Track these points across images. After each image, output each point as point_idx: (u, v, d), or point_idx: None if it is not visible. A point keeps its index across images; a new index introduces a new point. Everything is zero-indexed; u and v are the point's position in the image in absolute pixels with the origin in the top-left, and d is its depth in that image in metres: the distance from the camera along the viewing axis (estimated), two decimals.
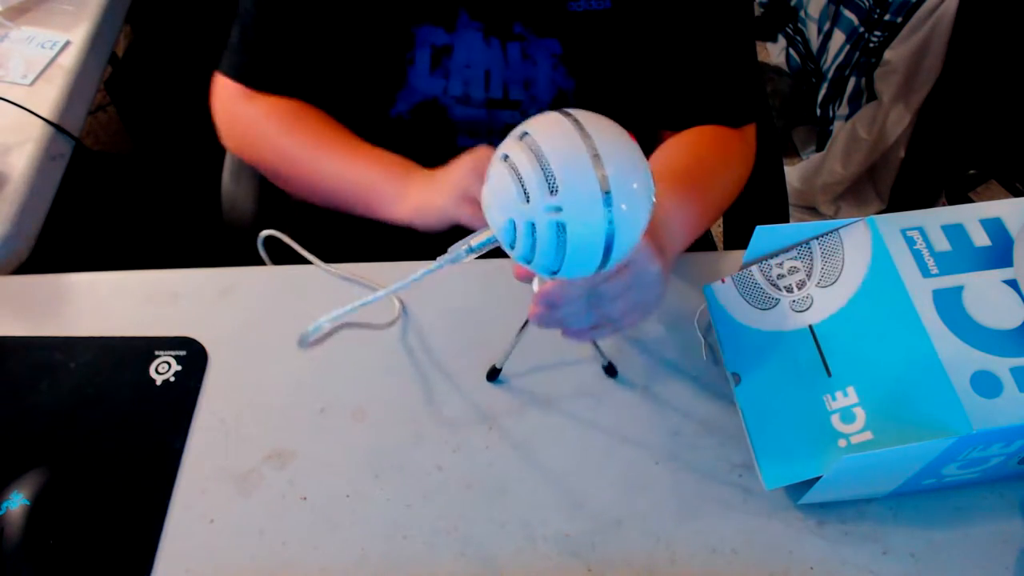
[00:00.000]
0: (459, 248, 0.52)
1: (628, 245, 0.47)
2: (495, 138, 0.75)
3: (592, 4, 0.69)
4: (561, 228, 0.45)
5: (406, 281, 0.53)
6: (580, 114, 0.46)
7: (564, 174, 0.45)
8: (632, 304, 0.56)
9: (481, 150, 0.63)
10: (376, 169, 0.70)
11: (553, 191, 0.45)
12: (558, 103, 0.73)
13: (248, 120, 0.76)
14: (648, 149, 0.79)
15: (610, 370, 0.64)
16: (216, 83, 0.76)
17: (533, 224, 0.46)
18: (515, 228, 0.47)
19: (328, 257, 0.72)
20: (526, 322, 0.61)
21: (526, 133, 0.46)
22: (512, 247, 0.48)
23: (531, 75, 0.72)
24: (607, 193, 0.45)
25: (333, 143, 0.73)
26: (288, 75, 0.75)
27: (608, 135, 0.46)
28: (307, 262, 0.72)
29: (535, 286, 0.55)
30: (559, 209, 0.45)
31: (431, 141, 0.76)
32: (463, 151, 0.77)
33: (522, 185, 0.45)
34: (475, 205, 0.63)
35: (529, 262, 0.48)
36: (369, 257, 0.72)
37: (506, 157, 0.47)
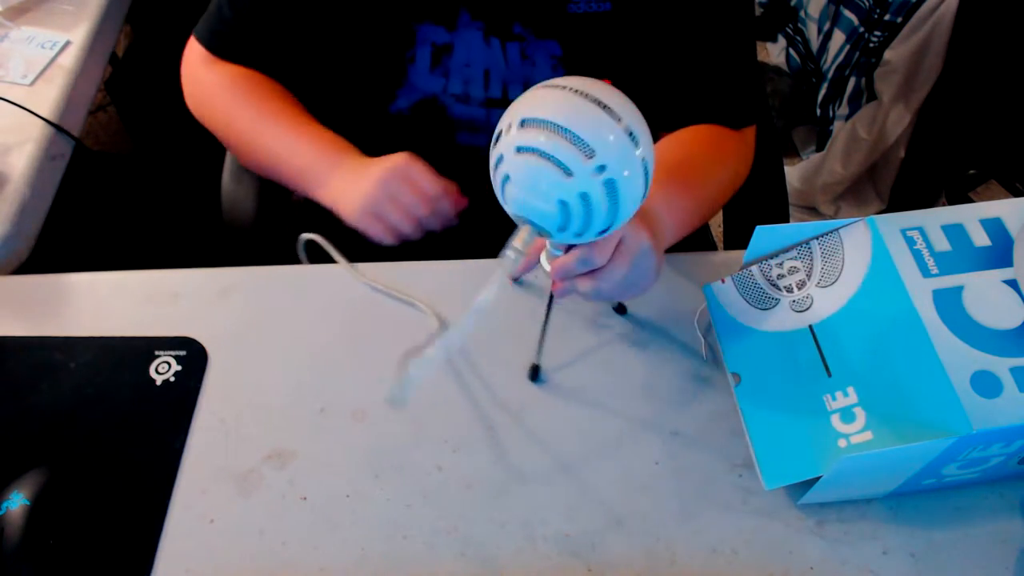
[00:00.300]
0: (509, 258, 0.50)
1: (651, 178, 0.49)
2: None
3: (592, 6, 0.69)
4: (611, 184, 0.46)
5: (471, 315, 0.50)
6: (562, 80, 0.47)
7: (592, 135, 0.45)
8: (628, 282, 0.57)
9: (399, 158, 0.66)
10: (311, 149, 0.72)
11: (591, 155, 0.45)
12: None
13: (206, 84, 0.78)
14: None
15: (620, 308, 0.66)
16: (188, 45, 0.78)
17: (585, 194, 0.46)
18: (567, 206, 0.46)
19: (329, 257, 0.72)
20: (547, 315, 0.61)
21: (525, 120, 0.46)
22: (562, 229, 0.48)
23: (530, 76, 0.73)
24: (631, 134, 0.46)
25: (278, 117, 0.74)
26: (254, 47, 0.76)
27: (598, 87, 0.46)
28: (304, 262, 0.72)
29: (544, 264, 0.56)
30: (604, 167, 0.45)
31: (431, 138, 0.76)
32: (463, 148, 0.77)
33: (558, 163, 0.45)
34: (379, 222, 0.67)
35: (580, 235, 0.48)
36: (371, 256, 0.72)
37: (520, 149, 0.46)
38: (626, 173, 0.46)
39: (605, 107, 0.45)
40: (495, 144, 0.48)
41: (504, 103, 0.74)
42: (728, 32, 0.73)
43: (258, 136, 0.75)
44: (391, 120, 0.77)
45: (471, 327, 0.50)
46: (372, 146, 0.73)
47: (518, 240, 0.50)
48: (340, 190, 0.69)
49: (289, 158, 0.73)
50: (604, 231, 0.49)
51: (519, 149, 0.46)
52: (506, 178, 0.48)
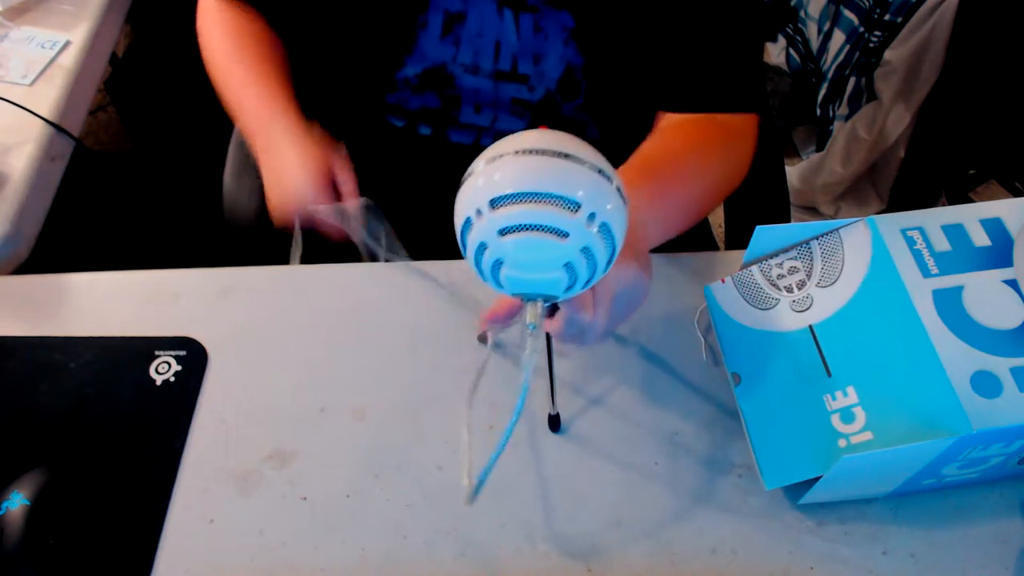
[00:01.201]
0: (531, 351, 0.48)
1: (627, 199, 0.47)
2: (500, 111, 0.75)
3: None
4: (605, 228, 0.44)
5: (520, 402, 0.49)
6: (501, 147, 0.45)
7: (570, 189, 0.43)
8: (619, 315, 0.56)
9: (299, 188, 0.68)
10: (259, 114, 0.74)
11: (576, 209, 0.43)
12: (566, 79, 0.73)
13: (209, 21, 0.80)
14: (647, 121, 0.78)
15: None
16: None
17: (586, 247, 0.44)
18: (571, 266, 0.45)
19: (334, 256, 0.72)
20: (549, 356, 0.59)
21: (495, 200, 0.43)
22: (570, 288, 0.46)
23: (541, 49, 0.72)
24: (600, 171, 0.44)
25: (250, 70, 0.76)
26: None
27: (545, 138, 0.45)
28: (309, 262, 0.72)
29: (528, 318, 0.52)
30: (593, 215, 0.44)
31: (435, 111, 0.76)
32: (465, 126, 0.76)
33: (551, 229, 0.43)
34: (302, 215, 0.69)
35: (587, 283, 0.47)
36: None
37: (504, 231, 0.44)
38: (610, 208, 0.45)
39: (567, 156, 0.44)
40: (467, 234, 0.46)
41: (513, 76, 0.73)
42: (732, 20, 0.72)
43: (227, 85, 0.76)
44: (397, 87, 0.76)
45: (521, 408, 0.49)
46: (375, 115, 0.74)
47: (531, 318, 0.48)
48: (266, 182, 0.72)
49: (242, 117, 0.75)
50: (607, 266, 0.47)
51: (503, 231, 0.44)
52: (497, 264, 0.45)
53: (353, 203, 0.69)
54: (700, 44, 0.72)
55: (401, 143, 0.80)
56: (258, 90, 0.74)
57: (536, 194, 0.43)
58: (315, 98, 0.77)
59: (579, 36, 0.71)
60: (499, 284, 0.47)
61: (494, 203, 0.43)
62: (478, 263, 0.46)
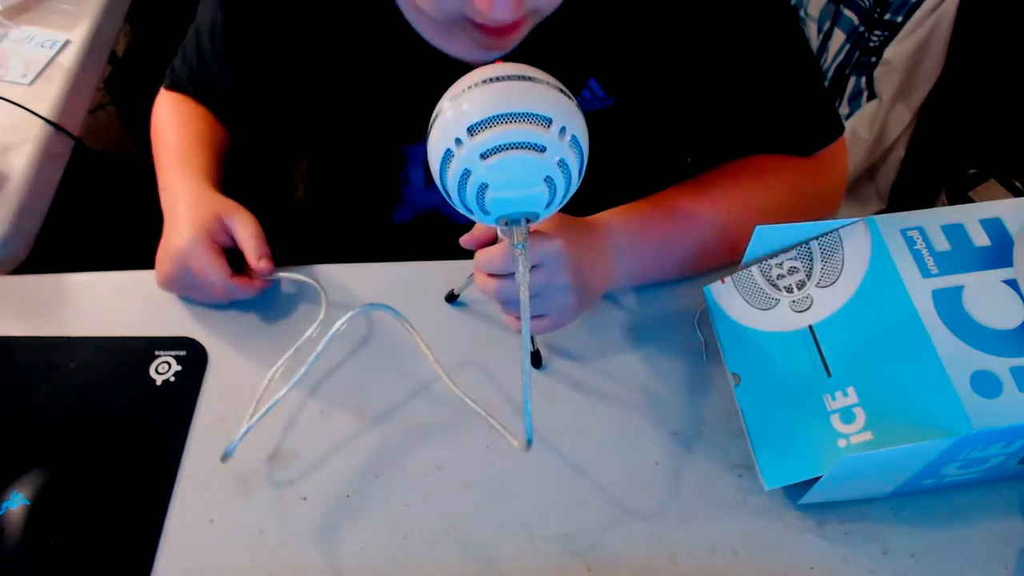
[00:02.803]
0: (523, 270, 0.50)
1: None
2: None
3: (595, 104, 0.67)
4: (575, 141, 0.47)
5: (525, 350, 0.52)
6: (468, 80, 0.46)
7: (540, 106, 0.45)
8: (538, 309, 0.57)
9: (187, 239, 0.64)
10: (171, 179, 0.70)
11: (549, 124, 0.45)
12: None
13: (157, 111, 0.78)
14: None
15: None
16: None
17: (562, 160, 0.46)
18: (551, 180, 0.47)
19: (332, 257, 0.72)
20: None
21: (472, 126, 0.45)
22: (548, 204, 0.48)
23: None
24: (560, 90, 0.47)
25: (175, 155, 0.72)
26: (210, 89, 0.75)
27: (504, 68, 0.47)
28: (309, 263, 0.71)
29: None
30: (564, 128, 0.46)
31: (436, 244, 0.73)
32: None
33: (530, 145, 0.45)
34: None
35: (565, 196, 0.49)
36: (375, 257, 0.72)
37: (485, 153, 0.45)
38: (576, 121, 0.47)
39: (529, 79, 0.46)
40: (447, 167, 0.47)
41: None
42: (760, 64, 0.66)
43: (158, 167, 0.73)
44: (394, 230, 0.76)
45: (527, 333, 0.51)
46: (381, 249, 0.73)
47: (518, 238, 0.50)
48: (159, 253, 0.68)
49: (161, 181, 0.72)
50: (579, 177, 0.49)
51: (484, 154, 0.45)
52: (482, 187, 0.47)
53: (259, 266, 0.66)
54: (731, 109, 0.68)
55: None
56: (180, 160, 0.71)
57: (511, 114, 0.45)
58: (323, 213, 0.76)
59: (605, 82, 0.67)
60: (484, 211, 0.48)
61: (472, 130, 0.45)
62: (461, 192, 0.47)
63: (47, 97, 0.86)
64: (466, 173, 0.46)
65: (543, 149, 0.45)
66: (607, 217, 0.64)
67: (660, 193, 0.67)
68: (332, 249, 0.83)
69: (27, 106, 0.84)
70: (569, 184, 0.48)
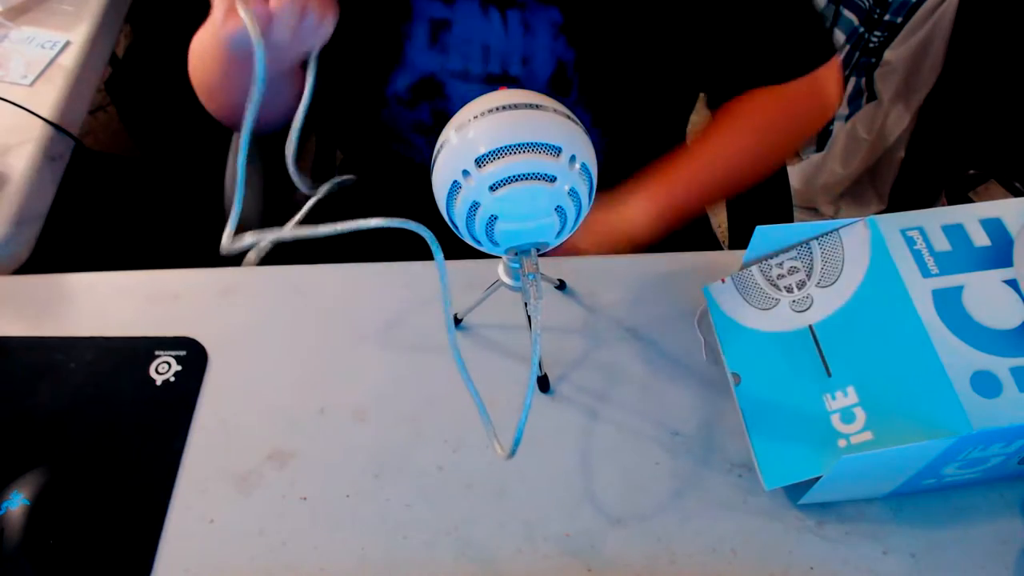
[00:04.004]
0: (537, 300, 0.49)
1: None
2: None
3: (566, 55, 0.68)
4: (585, 168, 0.46)
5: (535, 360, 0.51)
6: (472, 110, 0.46)
7: (548, 135, 0.45)
8: None
9: None
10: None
11: (558, 153, 0.45)
12: (557, 76, 0.72)
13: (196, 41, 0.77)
14: (654, 118, 0.76)
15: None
16: None
17: (573, 188, 0.46)
18: (561, 209, 0.46)
19: (333, 257, 0.72)
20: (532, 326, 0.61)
21: (480, 158, 0.44)
22: (559, 232, 0.48)
23: (529, 49, 0.71)
24: (568, 116, 0.46)
25: None
26: None
27: (512, 95, 0.46)
28: (308, 262, 0.71)
29: (504, 279, 0.56)
30: (574, 156, 0.45)
31: (429, 127, 0.75)
32: None
33: (540, 176, 0.45)
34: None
35: (575, 223, 0.48)
36: (377, 257, 0.72)
37: (495, 185, 0.45)
38: (585, 148, 0.47)
39: (537, 107, 0.46)
40: (454, 198, 0.46)
41: (504, 79, 0.72)
42: None
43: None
44: (388, 103, 0.75)
45: (537, 358, 0.50)
46: (367, 138, 0.72)
47: (529, 269, 0.49)
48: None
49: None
50: (589, 203, 0.49)
51: (493, 186, 0.45)
52: (491, 220, 0.46)
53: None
54: (717, 18, 0.69)
55: (396, 169, 0.79)
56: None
57: (520, 144, 0.44)
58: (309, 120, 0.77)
59: (568, 30, 0.69)
60: (493, 242, 0.48)
61: (480, 161, 0.44)
62: (470, 224, 0.47)
63: (47, 98, 0.86)
64: (475, 205, 0.46)
65: (553, 179, 0.45)
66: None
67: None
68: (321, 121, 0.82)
69: (27, 107, 0.84)
70: (580, 211, 0.48)
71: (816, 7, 0.73)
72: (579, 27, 0.70)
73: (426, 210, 0.62)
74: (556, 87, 0.72)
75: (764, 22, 0.69)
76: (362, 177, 0.73)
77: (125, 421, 0.62)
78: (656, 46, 0.71)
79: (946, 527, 0.56)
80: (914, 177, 1.59)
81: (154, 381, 0.64)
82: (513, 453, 0.52)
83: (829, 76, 0.73)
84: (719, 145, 0.74)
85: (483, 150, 0.44)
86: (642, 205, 0.72)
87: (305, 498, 0.59)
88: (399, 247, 0.70)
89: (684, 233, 0.93)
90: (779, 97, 0.72)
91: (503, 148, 0.44)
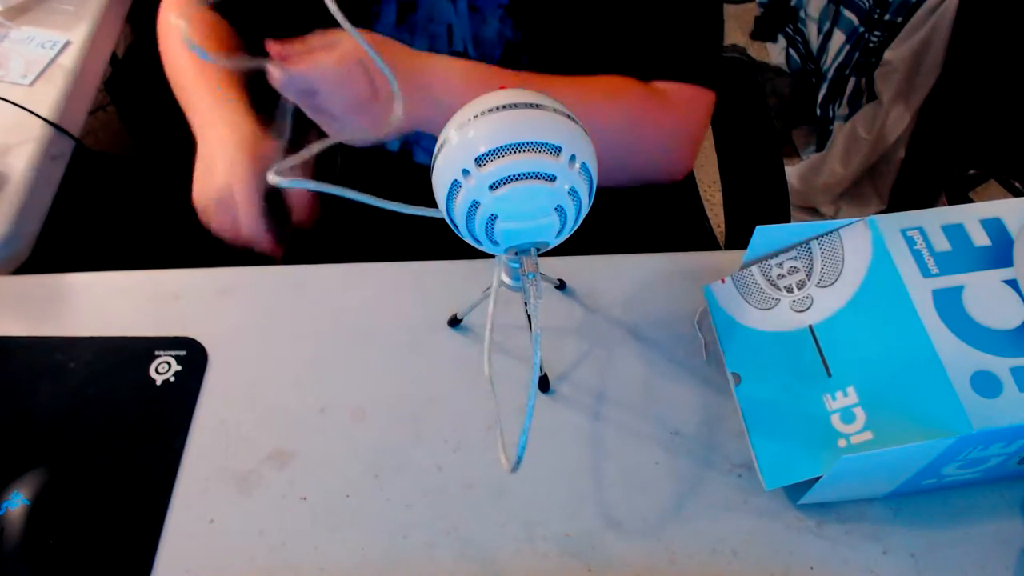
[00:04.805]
0: (536, 299, 0.49)
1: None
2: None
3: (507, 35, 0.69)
4: (585, 167, 0.46)
5: (536, 358, 0.50)
6: (475, 108, 0.46)
7: (549, 135, 0.45)
8: None
9: (232, 174, 0.67)
10: (204, 99, 0.74)
11: (558, 152, 0.45)
12: (507, 56, 0.73)
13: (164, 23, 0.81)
14: None
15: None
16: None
17: (572, 188, 0.46)
18: (561, 208, 0.46)
19: (334, 256, 0.72)
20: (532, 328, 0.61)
21: (480, 157, 0.44)
22: (559, 232, 0.48)
23: (480, 30, 0.73)
24: (568, 116, 0.46)
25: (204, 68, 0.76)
26: None
27: (513, 94, 0.46)
28: (309, 262, 0.71)
29: (504, 279, 0.56)
30: (574, 156, 0.45)
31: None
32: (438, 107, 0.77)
33: (540, 175, 0.45)
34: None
35: (575, 223, 0.48)
36: (379, 256, 0.72)
37: (495, 185, 0.44)
38: (585, 148, 0.46)
39: (537, 106, 0.45)
40: (454, 197, 0.46)
41: (466, 58, 0.73)
42: None
43: (181, 72, 0.77)
44: None
45: (538, 361, 0.50)
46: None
47: (529, 268, 0.49)
48: (197, 164, 0.73)
49: (186, 99, 0.76)
50: (590, 202, 0.49)
51: (493, 185, 0.45)
52: (492, 219, 0.46)
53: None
54: (641, 11, 0.71)
55: (370, 158, 0.80)
56: (207, 80, 0.74)
57: (521, 144, 0.44)
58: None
59: (514, 12, 0.71)
60: (492, 241, 0.48)
61: (480, 160, 0.44)
62: (470, 223, 0.47)
63: (47, 98, 0.86)
64: (475, 204, 0.45)
65: (553, 178, 0.45)
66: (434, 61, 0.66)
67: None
68: None
69: (27, 107, 0.84)
70: (579, 211, 0.48)
71: (721, 41, 0.75)
72: (524, 9, 0.71)
73: (400, 199, 0.62)
74: (507, 67, 0.73)
75: (666, 21, 0.71)
76: (341, 167, 0.74)
77: (125, 421, 0.62)
78: (594, 27, 0.72)
79: (946, 527, 0.56)
80: (914, 177, 1.59)
81: (154, 381, 0.64)
82: (516, 468, 0.51)
83: (698, 102, 0.74)
84: (572, 85, 0.74)
85: (483, 149, 0.44)
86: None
87: (305, 498, 0.59)
88: (399, 247, 0.71)
89: (684, 233, 0.93)
90: (647, 87, 0.72)
91: (503, 147, 0.44)
